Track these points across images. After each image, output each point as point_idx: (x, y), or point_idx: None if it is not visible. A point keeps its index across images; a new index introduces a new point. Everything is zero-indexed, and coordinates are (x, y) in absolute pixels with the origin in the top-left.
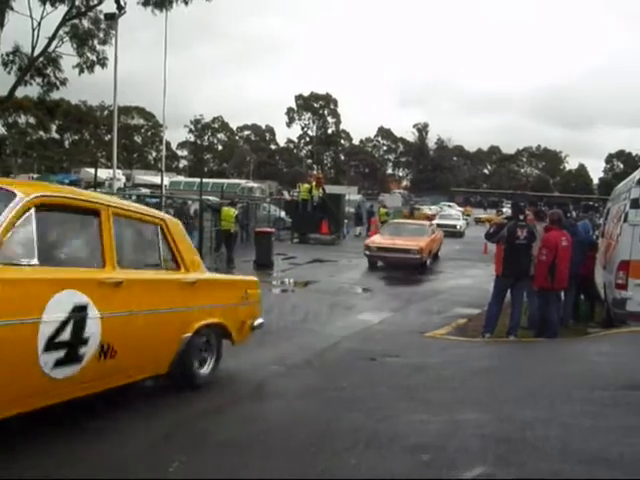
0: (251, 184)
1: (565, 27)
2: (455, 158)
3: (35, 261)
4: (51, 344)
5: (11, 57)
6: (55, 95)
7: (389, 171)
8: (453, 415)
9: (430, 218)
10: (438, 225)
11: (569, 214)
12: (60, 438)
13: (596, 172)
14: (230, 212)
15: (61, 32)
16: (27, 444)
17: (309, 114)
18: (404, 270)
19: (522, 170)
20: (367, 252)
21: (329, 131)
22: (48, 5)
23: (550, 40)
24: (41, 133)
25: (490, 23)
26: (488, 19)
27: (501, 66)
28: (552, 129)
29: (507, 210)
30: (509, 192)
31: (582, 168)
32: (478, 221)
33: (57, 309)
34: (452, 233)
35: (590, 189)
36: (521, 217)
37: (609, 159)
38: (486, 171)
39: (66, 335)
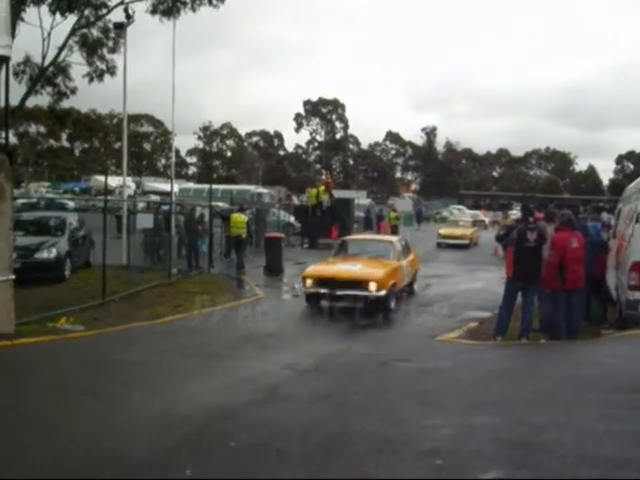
0: (260, 190)
1: (574, 30)
2: (464, 161)
3: None
4: None
5: (22, 67)
6: (65, 104)
7: (398, 175)
8: (466, 419)
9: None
10: None
11: (580, 215)
12: None
13: (606, 173)
14: (240, 218)
15: (71, 42)
16: None
17: (317, 119)
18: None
19: (531, 172)
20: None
21: (337, 136)
22: (58, 15)
23: (560, 42)
24: (52, 142)
25: (500, 25)
26: (497, 21)
27: (508, 69)
28: (561, 130)
29: (514, 213)
30: (519, 194)
31: (592, 169)
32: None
33: None
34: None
35: (600, 190)
36: (531, 220)
37: (619, 160)
38: (495, 174)
39: None
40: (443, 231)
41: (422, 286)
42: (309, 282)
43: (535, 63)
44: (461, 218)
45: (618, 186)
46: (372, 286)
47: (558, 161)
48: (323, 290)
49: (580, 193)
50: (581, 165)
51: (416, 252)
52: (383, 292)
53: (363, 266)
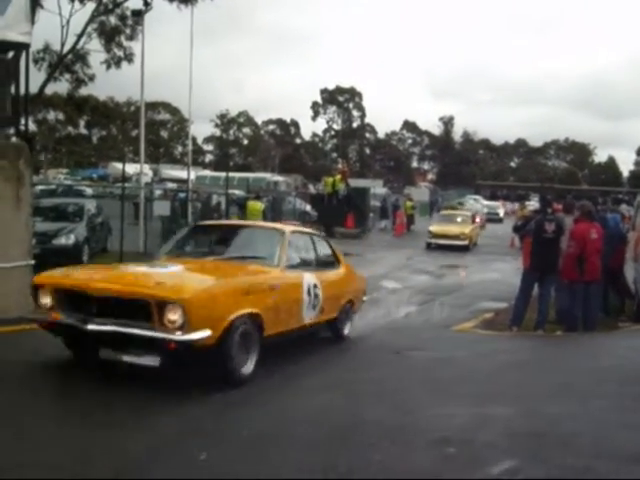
0: (276, 178)
1: (594, 19)
2: (481, 151)
3: None
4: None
5: (41, 54)
6: (83, 91)
7: (414, 164)
8: (480, 409)
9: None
10: None
11: (599, 207)
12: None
13: (626, 164)
14: (257, 206)
15: (89, 29)
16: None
17: (334, 108)
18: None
19: (550, 163)
20: None
21: (354, 125)
22: (77, 3)
23: (580, 32)
24: (70, 129)
25: (518, 14)
26: (515, 9)
27: (527, 58)
28: (580, 121)
29: (532, 203)
30: (537, 185)
31: (611, 160)
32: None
33: None
34: None
35: (620, 182)
36: (549, 211)
37: (639, 151)
38: (513, 164)
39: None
40: (434, 228)
41: (436, 276)
42: (44, 299)
43: (555, 52)
44: (458, 212)
45: (638, 178)
46: (171, 316)
47: (577, 152)
48: (69, 319)
49: (599, 184)
50: (600, 156)
51: (351, 268)
52: (205, 332)
53: (183, 270)
